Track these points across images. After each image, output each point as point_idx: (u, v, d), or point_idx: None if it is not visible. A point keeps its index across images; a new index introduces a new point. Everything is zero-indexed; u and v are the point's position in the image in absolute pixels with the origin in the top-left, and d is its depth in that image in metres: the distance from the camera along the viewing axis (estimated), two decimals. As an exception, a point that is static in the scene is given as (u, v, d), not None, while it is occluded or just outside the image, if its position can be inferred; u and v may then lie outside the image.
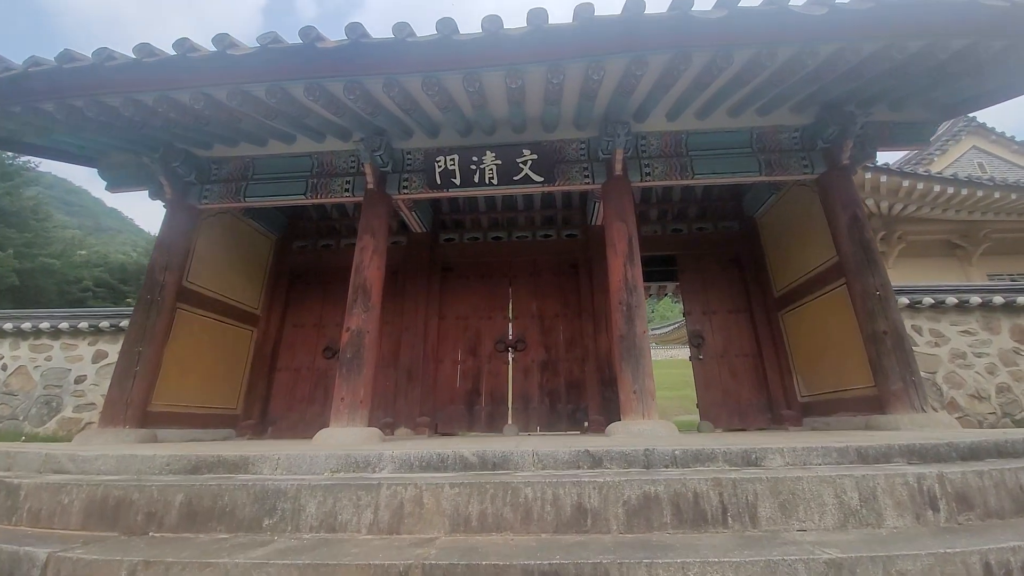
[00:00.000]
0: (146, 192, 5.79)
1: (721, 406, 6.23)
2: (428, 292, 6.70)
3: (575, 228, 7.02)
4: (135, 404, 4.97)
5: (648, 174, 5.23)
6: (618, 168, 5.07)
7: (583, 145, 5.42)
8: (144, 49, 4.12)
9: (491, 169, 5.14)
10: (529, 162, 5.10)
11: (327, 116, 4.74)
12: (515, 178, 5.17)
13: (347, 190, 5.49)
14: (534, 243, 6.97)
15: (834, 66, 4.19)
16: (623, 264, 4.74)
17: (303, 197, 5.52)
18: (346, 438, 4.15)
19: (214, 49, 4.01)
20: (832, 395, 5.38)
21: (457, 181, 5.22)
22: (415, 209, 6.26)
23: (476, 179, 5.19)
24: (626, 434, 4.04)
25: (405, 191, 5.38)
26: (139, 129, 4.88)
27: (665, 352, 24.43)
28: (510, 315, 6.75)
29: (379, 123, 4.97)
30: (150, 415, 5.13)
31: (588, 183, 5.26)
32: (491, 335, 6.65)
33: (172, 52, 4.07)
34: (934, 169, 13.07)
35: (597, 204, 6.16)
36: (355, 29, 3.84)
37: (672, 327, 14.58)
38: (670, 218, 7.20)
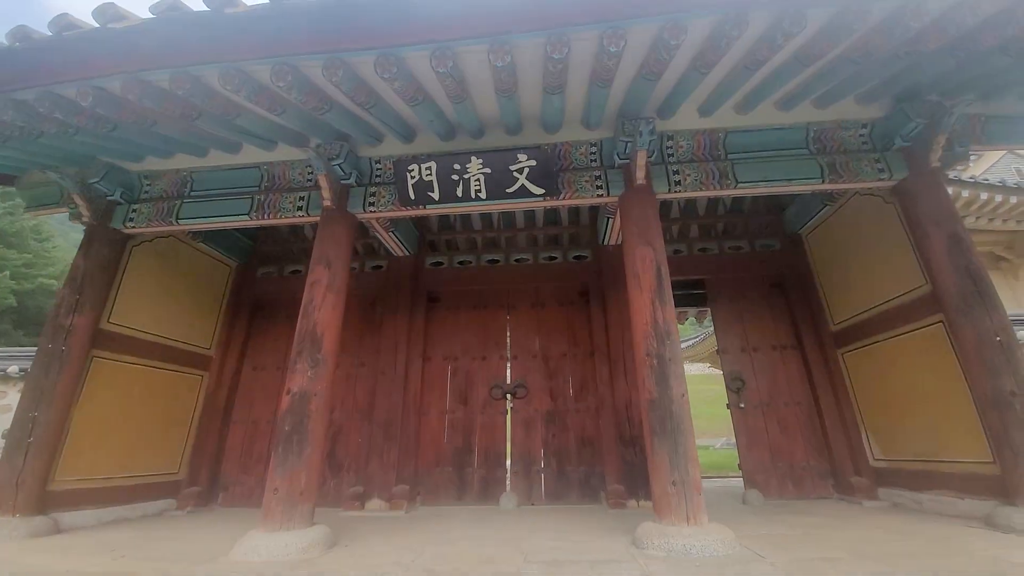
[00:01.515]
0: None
1: (770, 470, 4.92)
2: (411, 327, 5.52)
3: (584, 249, 5.82)
4: (28, 485, 3.83)
5: (677, 183, 4.03)
6: (640, 176, 3.88)
7: (594, 148, 4.25)
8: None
9: (478, 180, 3.98)
10: (526, 170, 3.92)
11: (263, 115, 3.62)
12: (508, 190, 3.99)
13: (300, 208, 4.35)
14: (536, 267, 5.77)
15: (942, 32, 2.99)
16: (650, 302, 3.52)
17: (246, 217, 4.39)
18: (277, 550, 2.94)
19: (95, 26, 2.92)
20: (923, 465, 4.07)
21: (435, 195, 4.06)
22: (394, 229, 5.11)
23: (459, 192, 4.02)
24: (665, 553, 2.78)
25: (372, 209, 4.23)
26: (37, 138, 3.79)
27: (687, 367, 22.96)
28: (508, 354, 5.53)
29: (337, 125, 3.83)
30: (52, 496, 3.98)
31: (601, 195, 4.07)
32: (485, 379, 5.43)
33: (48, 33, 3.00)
34: (966, 176, 11.84)
35: (611, 220, 4.98)
36: (279, -12, 2.72)
37: (693, 341, 13.26)
38: (695, 235, 5.98)
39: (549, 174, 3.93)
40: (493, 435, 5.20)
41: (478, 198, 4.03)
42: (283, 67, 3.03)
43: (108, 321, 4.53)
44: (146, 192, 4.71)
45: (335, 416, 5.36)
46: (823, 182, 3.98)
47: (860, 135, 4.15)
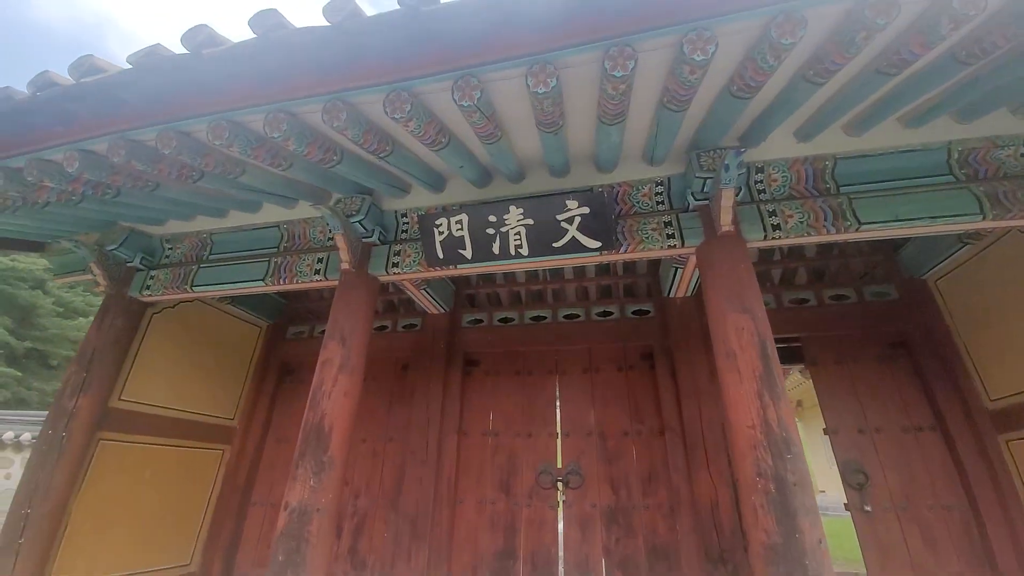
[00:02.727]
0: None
1: (918, 600, 3.57)
2: (445, 395, 4.72)
3: (645, 302, 4.85)
4: (13, 594, 3.28)
5: (776, 227, 3.05)
6: (725, 221, 2.95)
7: (660, 188, 3.38)
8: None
9: (518, 233, 3.20)
10: (577, 219, 3.11)
11: (268, 170, 3.08)
12: (556, 244, 3.18)
13: (318, 271, 3.74)
14: (589, 325, 4.85)
15: None
16: (756, 394, 2.51)
17: (261, 283, 3.84)
18: None
19: (71, 81, 2.48)
20: None
21: (467, 253, 3.32)
22: (426, 286, 4.42)
23: (496, 249, 3.26)
24: None
25: (396, 270, 3.54)
26: (44, 207, 3.46)
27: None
28: (558, 431, 4.58)
29: (352, 177, 3.23)
30: (42, 603, 3.42)
31: (674, 246, 3.16)
32: (531, 461, 4.48)
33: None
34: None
35: (679, 271, 4.03)
36: (268, 17, 2.15)
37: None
38: (781, 281, 4.86)
39: (605, 222, 3.09)
40: (541, 535, 4.18)
41: (518, 255, 3.24)
42: (277, 115, 2.45)
43: (119, 399, 4.07)
44: (167, 257, 4.33)
45: (359, 503, 4.58)
46: (985, 218, 2.86)
47: (1022, 154, 3.03)
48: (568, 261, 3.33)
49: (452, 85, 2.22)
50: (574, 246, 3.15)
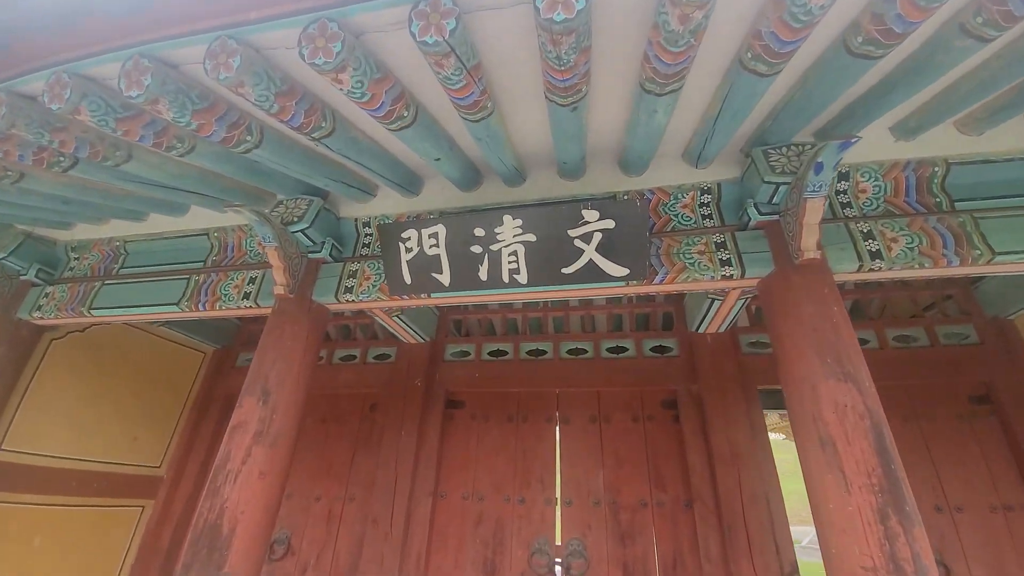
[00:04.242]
0: None
1: None
2: (420, 446, 3.75)
3: (667, 337, 3.92)
4: None
5: (875, 254, 2.13)
6: (809, 244, 2.03)
7: (707, 197, 2.47)
8: None
9: (513, 253, 2.27)
10: (596, 236, 2.18)
11: (157, 153, 2.14)
12: (567, 270, 2.25)
13: (247, 296, 2.78)
14: (597, 363, 3.90)
15: None
16: (876, 512, 1.57)
17: (175, 308, 2.87)
18: None
19: None
20: None
21: (444, 278, 2.37)
22: (399, 314, 3.47)
23: (484, 274, 2.32)
24: None
25: (348, 297, 2.59)
26: None
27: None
28: (557, 496, 3.61)
29: (289, 168, 2.30)
30: None
31: (732, 275, 2.23)
32: (524, 535, 3.49)
33: None
34: None
35: (716, 302, 3.11)
36: None
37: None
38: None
39: (636, 242, 2.17)
40: (536, 637, 3.20)
41: (514, 283, 2.30)
42: (138, 63, 1.52)
43: (0, 449, 3.08)
44: (71, 269, 3.36)
45: (307, 583, 3.57)
46: None
47: None
48: (583, 293, 2.40)
49: (410, 10, 1.30)
50: (592, 273, 2.22)
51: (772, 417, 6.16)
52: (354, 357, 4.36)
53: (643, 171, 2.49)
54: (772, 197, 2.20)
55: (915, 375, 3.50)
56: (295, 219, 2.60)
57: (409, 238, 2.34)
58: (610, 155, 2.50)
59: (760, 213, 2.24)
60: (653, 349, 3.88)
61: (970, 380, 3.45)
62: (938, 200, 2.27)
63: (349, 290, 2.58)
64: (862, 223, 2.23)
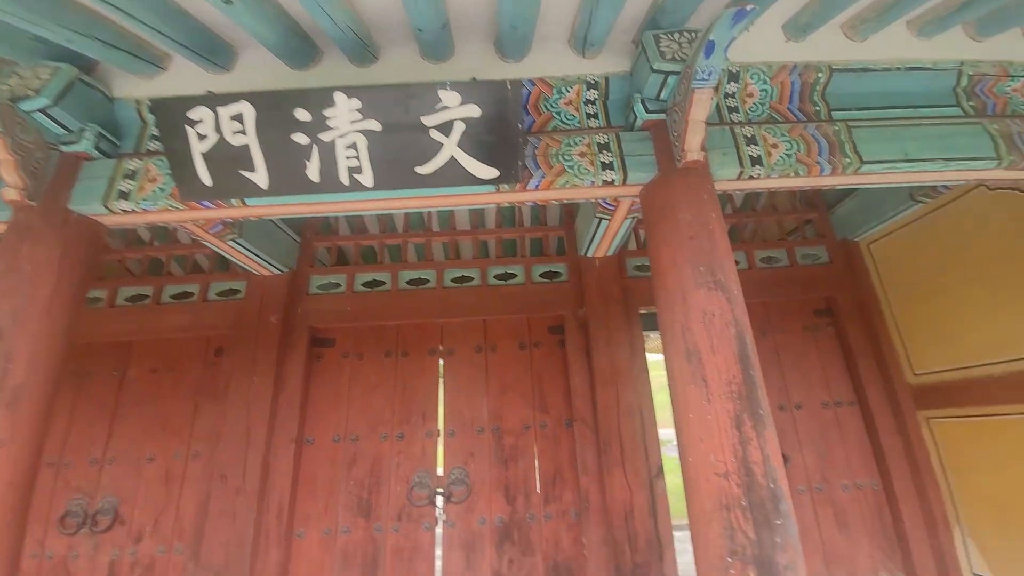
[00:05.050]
0: None
1: (829, 592, 3.24)
2: (279, 392, 3.27)
3: (557, 262, 3.76)
4: None
5: (756, 160, 2.01)
6: (693, 144, 1.83)
7: (593, 92, 2.14)
8: None
9: (352, 146, 1.77)
10: (459, 128, 1.76)
11: None
12: (422, 169, 1.82)
13: (-35, 201, 1.96)
14: (485, 291, 3.64)
15: None
16: (732, 418, 1.55)
17: None
18: None
19: None
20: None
21: (260, 178, 1.80)
22: (236, 235, 2.79)
23: (315, 172, 1.80)
24: None
25: (126, 204, 1.91)
26: None
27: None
28: (439, 428, 3.44)
29: (28, 22, 1.48)
30: None
31: (613, 181, 1.98)
32: (403, 471, 3.31)
33: None
34: None
35: (603, 221, 2.95)
36: None
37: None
38: (706, 238, 4.07)
39: (506, 136, 1.80)
40: (413, 567, 3.12)
41: (358, 186, 1.82)
42: None
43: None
44: None
45: (142, 550, 3.07)
46: (1000, 164, 2.12)
47: (1034, 88, 2.34)
48: (448, 200, 2.00)
49: None
50: (455, 174, 1.82)
51: (654, 341, 6.66)
52: (191, 294, 3.59)
53: (523, 55, 2.07)
54: (660, 91, 1.94)
55: (775, 292, 3.78)
56: (31, 93, 1.78)
57: (201, 120, 1.70)
58: (483, 33, 2.03)
59: (647, 111, 1.98)
60: (543, 275, 3.71)
61: (818, 296, 3.83)
62: (817, 108, 2.20)
63: (125, 196, 1.89)
64: (747, 128, 2.08)
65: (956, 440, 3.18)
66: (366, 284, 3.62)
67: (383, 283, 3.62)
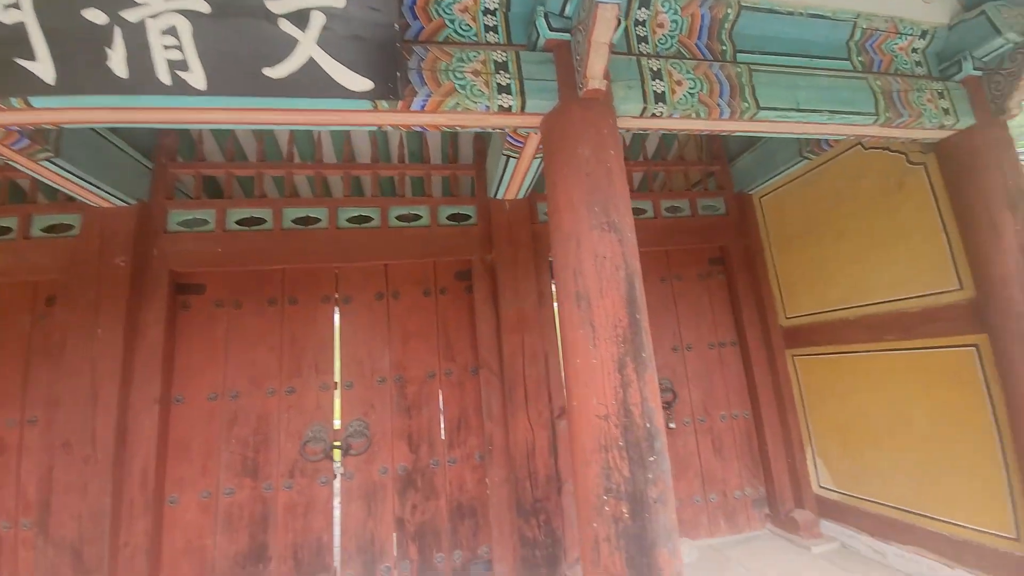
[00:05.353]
0: None
1: (701, 504, 3.68)
2: (133, 345, 2.80)
3: (466, 204, 3.52)
4: None
5: (660, 96, 1.92)
6: (596, 70, 1.67)
7: (494, 4, 1.87)
8: None
9: (171, 33, 1.36)
10: (317, 19, 1.42)
11: None
12: (272, 72, 1.47)
13: None
14: (386, 233, 3.32)
15: None
16: (616, 363, 1.53)
17: None
18: None
19: None
20: (899, 514, 3.06)
21: (44, 70, 1.34)
22: (49, 154, 2.17)
23: (121, 67, 1.37)
24: None
25: None
26: None
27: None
28: (336, 380, 3.21)
29: None
30: None
31: (508, 107, 1.78)
32: (292, 428, 3.08)
33: None
34: None
35: (512, 161, 2.77)
36: None
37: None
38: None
39: (379, 39, 1.49)
40: (309, 522, 3.00)
41: (183, 87, 1.43)
42: None
43: None
44: None
45: (-34, 535, 2.59)
46: (877, 121, 2.24)
47: (915, 49, 2.47)
48: (310, 117, 1.67)
49: None
50: (316, 81, 1.49)
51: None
52: (8, 230, 2.87)
53: (408, -58, 1.71)
54: (565, 6, 1.72)
55: (677, 241, 3.93)
56: None
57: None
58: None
59: (551, 28, 1.76)
60: (450, 217, 3.48)
61: (713, 245, 4.05)
62: (724, 48, 2.13)
63: None
64: (654, 61, 1.96)
65: (814, 374, 3.64)
66: (241, 222, 3.13)
67: (263, 220, 3.16)
